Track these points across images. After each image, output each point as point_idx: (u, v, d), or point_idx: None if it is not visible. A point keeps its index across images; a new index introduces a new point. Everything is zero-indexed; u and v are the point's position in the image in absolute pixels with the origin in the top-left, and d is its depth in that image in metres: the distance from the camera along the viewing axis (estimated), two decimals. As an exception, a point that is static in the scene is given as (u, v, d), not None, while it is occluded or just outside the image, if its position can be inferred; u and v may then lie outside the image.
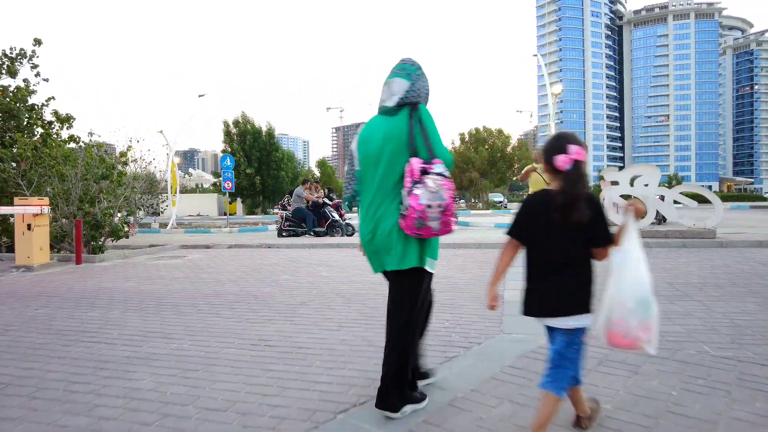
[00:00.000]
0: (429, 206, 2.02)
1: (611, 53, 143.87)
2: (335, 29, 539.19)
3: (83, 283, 6.25)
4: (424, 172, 2.07)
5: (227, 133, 32.74)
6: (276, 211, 20.95)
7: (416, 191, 2.03)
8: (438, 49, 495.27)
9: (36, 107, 10.76)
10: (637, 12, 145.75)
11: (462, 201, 31.31)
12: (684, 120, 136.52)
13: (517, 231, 1.92)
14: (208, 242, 10.96)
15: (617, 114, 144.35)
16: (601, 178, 9.67)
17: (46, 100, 10.83)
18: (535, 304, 1.87)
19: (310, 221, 12.21)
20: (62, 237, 9.12)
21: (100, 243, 9.32)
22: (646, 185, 9.05)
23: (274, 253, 9.07)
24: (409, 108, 2.22)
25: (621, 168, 9.62)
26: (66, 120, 10.98)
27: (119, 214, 9.79)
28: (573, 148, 1.77)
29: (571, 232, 1.77)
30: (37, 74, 10.83)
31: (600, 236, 1.80)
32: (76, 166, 9.11)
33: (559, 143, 1.81)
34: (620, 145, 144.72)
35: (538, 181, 7.36)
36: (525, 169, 7.96)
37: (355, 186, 2.37)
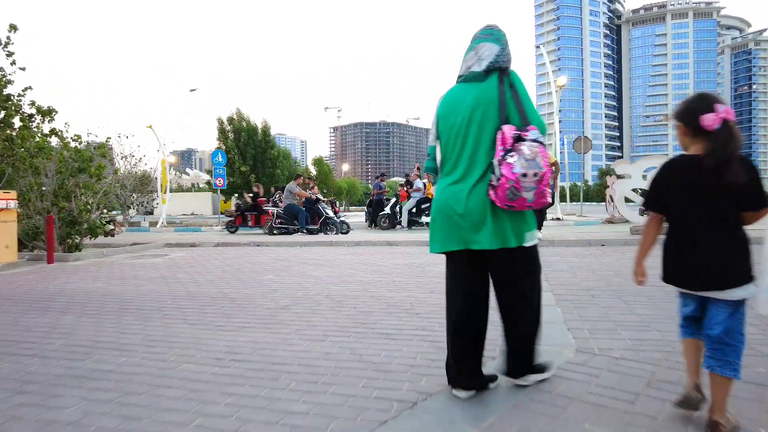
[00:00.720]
0: (524, 175, 1.88)
1: (610, 52, 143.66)
2: (333, 27, 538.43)
3: (47, 284, 5.64)
4: (518, 138, 1.94)
5: (221, 131, 32.07)
6: (267, 208, 20.34)
7: (509, 159, 1.91)
8: (435, 48, 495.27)
9: (12, 98, 10.13)
10: (635, 11, 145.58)
11: None
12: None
13: (657, 204, 1.83)
14: (194, 240, 10.36)
15: (616, 113, 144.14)
16: (607, 173, 8.97)
17: (23, 90, 10.20)
18: (691, 277, 1.74)
19: (302, 218, 11.62)
20: (35, 234, 8.51)
21: (76, 241, 8.71)
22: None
23: (263, 252, 8.47)
24: (497, 73, 2.10)
25: (632, 161, 9.08)
26: (48, 113, 10.35)
27: (98, 211, 9.18)
28: (721, 107, 1.65)
29: (722, 195, 1.66)
30: (13, 62, 10.19)
31: (755, 199, 1.65)
32: (50, 158, 8.51)
33: (705, 102, 1.69)
34: (619, 144, 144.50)
35: None
36: None
37: (430, 161, 2.28)
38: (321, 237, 10.81)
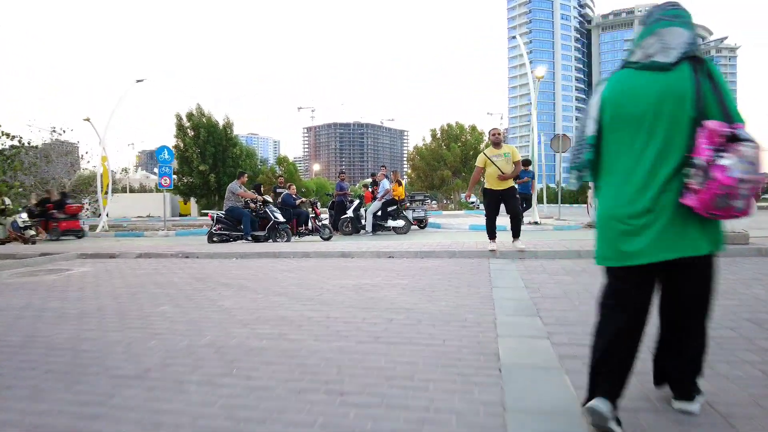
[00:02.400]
0: (742, 180, 1.62)
1: (580, 56, 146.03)
2: (305, 27, 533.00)
3: None
4: (733, 138, 1.66)
5: (180, 127, 30.04)
6: (207, 212, 18.62)
7: (724, 162, 1.63)
8: (408, 50, 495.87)
9: None
10: (605, 16, 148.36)
11: (433, 201, 29.71)
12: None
13: None
14: (114, 250, 8.68)
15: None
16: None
17: None
18: None
19: (247, 223, 10.04)
20: None
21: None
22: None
23: (186, 266, 6.90)
24: (689, 62, 1.79)
25: None
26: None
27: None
28: None
29: None
30: None
31: None
32: None
33: None
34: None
35: (491, 174, 6.81)
36: (473, 174, 7.30)
37: (587, 155, 1.95)
38: (270, 246, 9.28)
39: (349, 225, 12.71)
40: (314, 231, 11.52)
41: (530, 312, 3.74)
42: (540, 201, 16.33)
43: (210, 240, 10.21)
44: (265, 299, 4.46)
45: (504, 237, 7.38)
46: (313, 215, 12.39)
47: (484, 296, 4.36)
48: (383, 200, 12.35)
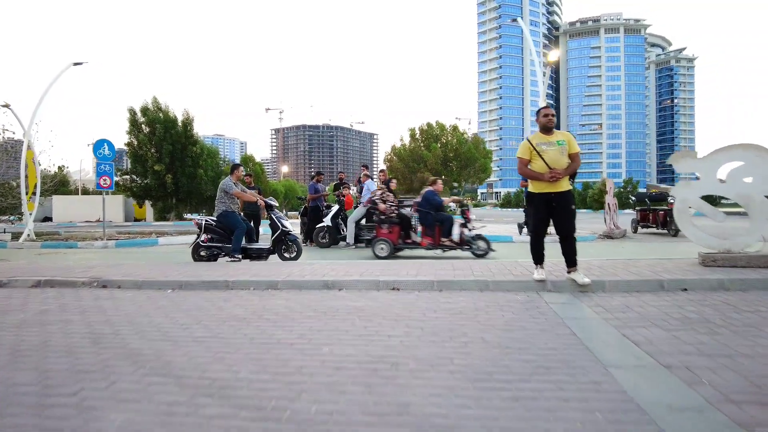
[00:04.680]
0: None
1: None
2: (274, 28, 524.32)
3: None
4: None
5: (133, 122, 27.02)
6: (191, 217, 16.03)
7: None
8: (378, 54, 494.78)
9: None
10: (572, 23, 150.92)
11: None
12: (615, 129, 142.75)
13: None
14: (8, 274, 6.24)
15: (555, 121, 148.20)
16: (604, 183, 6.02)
17: None
18: None
19: (239, 236, 7.59)
20: None
21: None
22: (749, 180, 5.54)
23: (92, 305, 4.57)
24: None
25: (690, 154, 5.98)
26: None
27: None
28: None
29: None
30: None
31: None
32: None
33: None
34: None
35: (539, 170, 4.82)
36: (521, 168, 5.15)
37: None
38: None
39: (326, 235, 10.54)
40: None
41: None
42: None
43: (196, 255, 7.70)
44: (181, 412, 2.28)
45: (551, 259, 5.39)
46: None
47: (610, 394, 2.33)
48: (368, 205, 10.24)
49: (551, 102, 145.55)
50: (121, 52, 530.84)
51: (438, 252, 8.45)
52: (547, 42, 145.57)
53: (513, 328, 3.54)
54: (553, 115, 4.89)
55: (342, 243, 10.39)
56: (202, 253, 7.72)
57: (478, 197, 60.17)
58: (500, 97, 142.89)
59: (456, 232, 8.26)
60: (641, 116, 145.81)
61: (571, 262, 4.86)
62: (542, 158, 4.79)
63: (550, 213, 4.84)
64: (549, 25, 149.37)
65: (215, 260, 7.68)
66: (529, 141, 4.94)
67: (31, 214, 14.37)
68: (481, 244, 8.22)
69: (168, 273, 6.11)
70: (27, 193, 14.25)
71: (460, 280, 5.04)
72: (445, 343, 3.18)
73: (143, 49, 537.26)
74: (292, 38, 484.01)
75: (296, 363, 2.87)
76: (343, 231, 10.45)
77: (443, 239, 8.28)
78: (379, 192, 9.32)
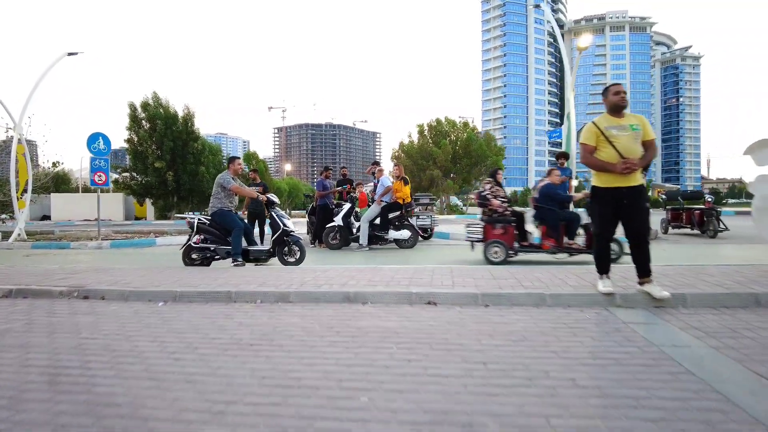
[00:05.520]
0: None
1: (553, 60, 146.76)
2: (278, 26, 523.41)
3: None
4: None
5: (133, 118, 26.27)
6: (182, 216, 15.18)
7: None
8: (381, 52, 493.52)
9: None
10: (577, 22, 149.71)
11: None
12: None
13: None
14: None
15: (558, 120, 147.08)
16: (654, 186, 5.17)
17: None
18: None
19: (238, 237, 6.70)
20: None
21: None
22: None
23: (67, 322, 3.75)
24: None
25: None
26: None
27: None
28: None
29: None
30: None
31: None
32: None
33: None
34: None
35: (608, 158, 3.94)
36: (584, 156, 4.15)
37: None
38: (273, 270, 6.17)
39: (337, 236, 9.71)
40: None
41: None
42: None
43: (187, 258, 6.85)
44: None
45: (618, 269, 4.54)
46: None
47: None
48: (383, 203, 9.41)
49: (554, 100, 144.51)
50: (124, 51, 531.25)
51: (562, 256, 7.08)
52: (551, 40, 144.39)
53: (603, 361, 2.70)
54: (625, 93, 4.03)
55: (354, 245, 9.56)
56: (194, 256, 6.88)
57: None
58: (504, 96, 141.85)
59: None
60: (646, 115, 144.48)
61: (644, 271, 4.02)
62: (612, 145, 3.94)
63: (617, 212, 4.00)
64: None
65: (208, 264, 6.85)
66: (595, 124, 4.07)
67: (22, 212, 13.59)
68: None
69: (161, 280, 5.28)
70: (18, 190, 13.46)
71: (509, 292, 4.19)
72: (526, 389, 2.35)
73: (146, 46, 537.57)
74: (295, 36, 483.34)
75: (327, 427, 2.04)
76: (356, 231, 9.61)
77: (569, 241, 6.98)
78: (488, 186, 7.61)
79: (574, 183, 10.42)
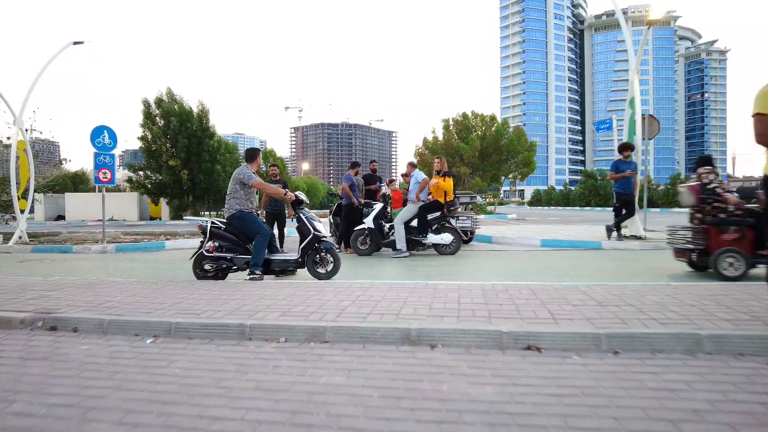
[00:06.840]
0: None
1: (573, 56, 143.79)
2: (293, 27, 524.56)
3: None
4: None
5: (147, 114, 25.37)
6: (190, 219, 14.17)
7: None
8: (398, 50, 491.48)
9: None
10: (597, 17, 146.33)
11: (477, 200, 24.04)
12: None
13: None
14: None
15: (579, 117, 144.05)
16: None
17: None
18: None
19: (262, 246, 5.45)
20: None
21: None
22: None
23: (15, 374, 2.57)
24: None
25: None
26: None
27: None
28: None
29: None
30: None
31: None
32: None
33: None
34: (581, 148, 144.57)
35: None
36: (758, 128, 2.84)
37: None
38: (301, 286, 4.96)
39: (368, 240, 8.45)
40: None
41: None
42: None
43: (198, 269, 5.63)
44: None
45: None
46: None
47: None
48: (420, 202, 8.12)
49: (575, 97, 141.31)
50: (139, 51, 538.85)
51: None
52: (571, 36, 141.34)
53: None
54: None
55: (392, 251, 8.26)
56: (207, 267, 5.63)
57: (501, 195, 57.40)
58: (523, 93, 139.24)
59: None
60: (670, 111, 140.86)
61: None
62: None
63: None
64: (574, 19, 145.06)
65: (224, 277, 5.63)
66: None
67: (23, 213, 12.64)
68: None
69: (156, 303, 4.07)
70: (19, 189, 12.51)
71: (645, 332, 2.87)
72: None
73: (162, 48, 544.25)
74: (311, 36, 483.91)
75: None
76: (390, 235, 8.33)
77: None
78: (713, 176, 5.88)
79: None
